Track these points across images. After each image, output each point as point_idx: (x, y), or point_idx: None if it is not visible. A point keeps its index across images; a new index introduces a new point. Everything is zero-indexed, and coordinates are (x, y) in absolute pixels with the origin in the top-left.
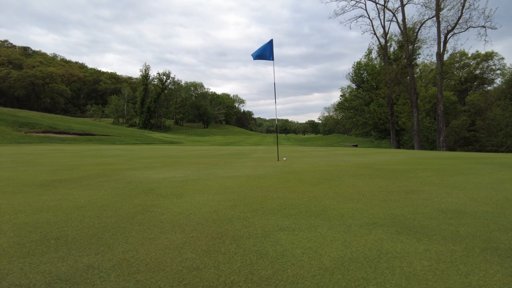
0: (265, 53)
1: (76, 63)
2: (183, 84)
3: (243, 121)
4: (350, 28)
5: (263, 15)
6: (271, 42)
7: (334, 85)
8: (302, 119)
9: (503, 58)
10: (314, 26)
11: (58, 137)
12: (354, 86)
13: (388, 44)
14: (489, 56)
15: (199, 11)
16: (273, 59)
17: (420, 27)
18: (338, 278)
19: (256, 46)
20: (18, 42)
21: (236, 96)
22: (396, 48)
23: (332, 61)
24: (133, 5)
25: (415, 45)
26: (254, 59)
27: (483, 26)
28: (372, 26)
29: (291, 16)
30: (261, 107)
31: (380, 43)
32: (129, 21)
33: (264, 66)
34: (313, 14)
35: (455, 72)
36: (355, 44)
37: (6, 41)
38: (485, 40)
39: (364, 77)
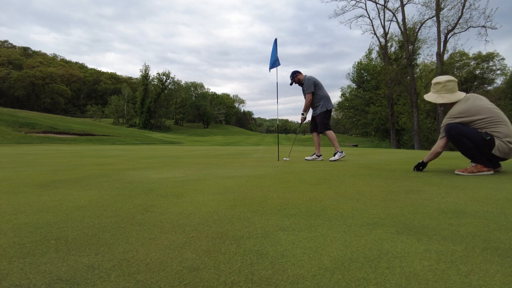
0: (274, 57)
1: (76, 63)
2: (183, 84)
3: (243, 121)
4: (350, 28)
5: (266, 13)
6: (275, 41)
7: (336, 84)
8: None
9: (503, 59)
10: (317, 24)
11: (58, 137)
12: (354, 86)
13: (389, 44)
14: (489, 56)
15: (202, 9)
16: (277, 58)
17: (420, 27)
18: (338, 278)
19: (258, 45)
20: (18, 41)
21: (236, 96)
22: (396, 48)
23: (335, 60)
24: (136, 4)
25: (415, 45)
26: (270, 69)
27: (483, 26)
28: (372, 26)
29: (295, 14)
30: (261, 107)
31: (380, 43)
32: (131, 19)
33: (266, 66)
34: (317, 12)
35: (455, 72)
36: (358, 43)
37: (6, 41)
38: (485, 40)
39: (365, 77)
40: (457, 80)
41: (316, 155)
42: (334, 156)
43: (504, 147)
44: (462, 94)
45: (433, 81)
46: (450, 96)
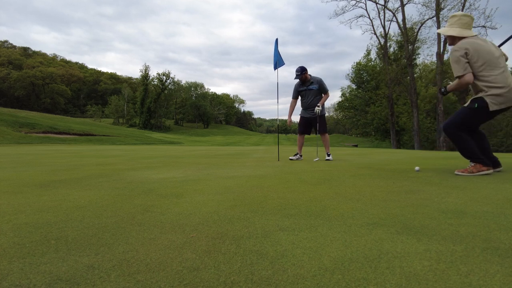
0: (276, 57)
1: (76, 63)
2: (183, 84)
3: (243, 121)
4: (351, 28)
5: (268, 13)
6: (276, 41)
7: (337, 84)
8: None
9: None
10: (319, 24)
11: (58, 137)
12: (354, 86)
13: (388, 44)
14: None
15: (203, 8)
16: (279, 58)
17: (420, 27)
18: (338, 278)
19: (259, 45)
20: (19, 41)
21: (236, 96)
22: (396, 48)
23: (335, 60)
24: (136, 3)
25: (415, 45)
26: (275, 69)
27: (484, 26)
28: (372, 26)
29: (296, 13)
30: (261, 107)
31: (380, 43)
32: (132, 19)
33: (267, 66)
34: (318, 12)
35: None
36: (359, 42)
37: (6, 41)
38: None
39: (364, 77)
40: (473, 18)
41: (300, 155)
42: (328, 156)
43: (498, 99)
44: (472, 33)
45: (450, 15)
46: (461, 30)
